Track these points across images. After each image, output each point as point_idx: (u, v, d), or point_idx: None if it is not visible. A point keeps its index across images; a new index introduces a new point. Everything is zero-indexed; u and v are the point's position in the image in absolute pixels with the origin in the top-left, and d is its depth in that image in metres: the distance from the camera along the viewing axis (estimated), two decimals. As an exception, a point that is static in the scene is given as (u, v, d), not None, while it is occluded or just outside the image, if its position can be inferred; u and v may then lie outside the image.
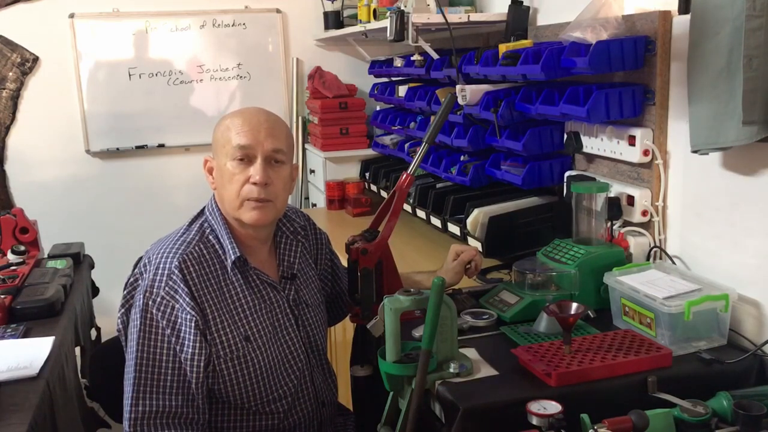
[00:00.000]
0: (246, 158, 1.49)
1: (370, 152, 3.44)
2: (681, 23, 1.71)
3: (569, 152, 2.12)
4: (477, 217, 2.21)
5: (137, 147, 3.64)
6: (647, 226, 1.86)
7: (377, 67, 3.38)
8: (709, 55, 1.54)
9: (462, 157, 2.50)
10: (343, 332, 2.41)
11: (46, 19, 3.44)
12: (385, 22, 2.54)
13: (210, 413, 1.50)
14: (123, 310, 1.50)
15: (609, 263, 1.73)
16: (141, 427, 1.42)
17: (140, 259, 1.55)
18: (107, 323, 2.34)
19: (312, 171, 3.71)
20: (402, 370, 1.36)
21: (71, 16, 3.47)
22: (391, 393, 1.42)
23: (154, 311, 1.44)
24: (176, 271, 1.45)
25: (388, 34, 2.49)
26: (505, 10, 2.41)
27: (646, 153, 1.81)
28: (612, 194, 1.89)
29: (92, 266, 2.68)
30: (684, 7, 1.67)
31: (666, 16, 1.75)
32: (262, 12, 3.70)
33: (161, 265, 1.46)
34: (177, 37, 3.61)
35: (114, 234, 3.57)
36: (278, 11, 3.72)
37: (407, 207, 2.66)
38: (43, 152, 3.52)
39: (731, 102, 1.48)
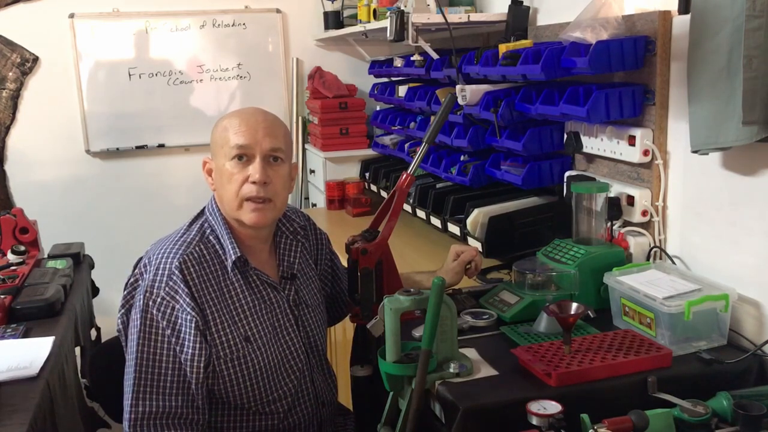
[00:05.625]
0: (244, 157, 1.49)
1: (370, 152, 3.44)
2: (681, 23, 1.71)
3: (569, 152, 2.12)
4: (477, 217, 2.22)
5: (137, 147, 3.64)
6: (647, 226, 1.86)
7: (377, 67, 3.38)
8: (709, 55, 1.54)
9: (462, 157, 2.50)
10: (343, 332, 2.41)
11: (46, 19, 3.43)
12: (385, 22, 2.54)
13: (210, 413, 1.50)
14: (123, 311, 1.50)
15: (609, 263, 1.73)
16: (141, 428, 1.42)
17: (140, 259, 1.55)
18: (107, 323, 2.34)
19: (312, 171, 3.71)
20: (402, 370, 1.36)
21: (71, 16, 3.46)
22: (391, 393, 1.42)
23: (154, 312, 1.44)
24: (176, 272, 1.45)
25: (388, 34, 2.49)
26: (505, 10, 2.41)
27: (646, 153, 1.81)
28: (612, 194, 1.89)
29: (92, 266, 2.68)
30: (684, 7, 1.67)
31: (666, 16, 1.75)
32: (262, 12, 3.70)
33: (161, 266, 1.46)
34: (177, 37, 3.61)
35: (114, 234, 3.57)
36: (278, 11, 3.72)
37: (407, 207, 2.66)
38: (43, 152, 3.52)
39: (731, 102, 1.48)
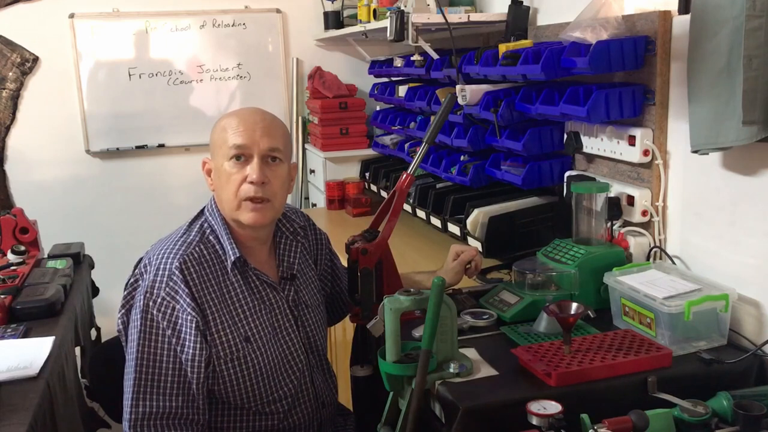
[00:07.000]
0: (242, 158, 1.49)
1: (370, 152, 3.44)
2: (681, 23, 1.71)
3: (569, 152, 2.12)
4: (477, 217, 2.22)
5: (137, 147, 3.64)
6: (647, 226, 1.86)
7: (377, 67, 3.38)
8: (709, 55, 1.54)
9: (462, 157, 2.50)
10: (343, 332, 2.41)
11: (46, 19, 3.44)
12: (385, 22, 2.54)
13: (210, 414, 1.50)
14: (123, 311, 1.50)
15: (609, 263, 1.73)
16: (141, 428, 1.42)
17: (140, 259, 1.55)
18: (107, 323, 2.33)
19: (312, 171, 3.71)
20: (402, 370, 1.36)
21: (71, 16, 3.46)
22: (391, 393, 1.42)
23: (154, 312, 1.44)
24: (177, 272, 1.45)
25: (388, 34, 2.49)
26: (505, 10, 2.41)
27: (646, 153, 1.81)
28: (612, 194, 1.89)
29: (92, 266, 2.68)
30: (684, 7, 1.67)
31: (666, 16, 1.75)
32: (262, 12, 3.70)
33: (162, 266, 1.46)
34: (177, 37, 3.61)
35: (114, 234, 3.57)
36: (278, 11, 3.72)
37: (407, 207, 2.66)
38: (43, 152, 3.52)
39: (731, 102, 1.48)
